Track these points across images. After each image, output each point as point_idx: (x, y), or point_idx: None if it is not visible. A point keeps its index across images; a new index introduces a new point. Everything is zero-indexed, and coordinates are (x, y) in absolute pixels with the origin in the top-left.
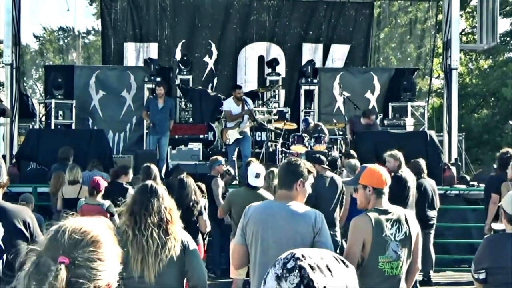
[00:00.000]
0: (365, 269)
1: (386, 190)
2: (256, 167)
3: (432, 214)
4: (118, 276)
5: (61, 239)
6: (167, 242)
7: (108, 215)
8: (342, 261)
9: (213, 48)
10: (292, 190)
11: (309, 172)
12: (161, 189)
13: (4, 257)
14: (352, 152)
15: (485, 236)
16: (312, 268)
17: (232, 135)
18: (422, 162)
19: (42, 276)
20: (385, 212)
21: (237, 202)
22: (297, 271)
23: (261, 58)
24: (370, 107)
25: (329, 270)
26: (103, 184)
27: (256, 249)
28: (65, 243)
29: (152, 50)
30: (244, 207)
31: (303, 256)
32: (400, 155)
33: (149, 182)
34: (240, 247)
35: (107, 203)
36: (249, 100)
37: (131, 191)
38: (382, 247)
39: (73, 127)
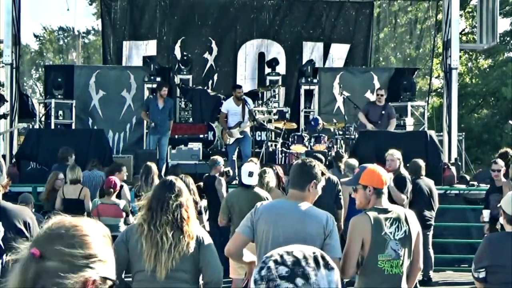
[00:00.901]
0: (365, 268)
1: (385, 190)
2: (248, 166)
3: (429, 214)
4: (113, 273)
5: (39, 233)
6: (181, 240)
7: (124, 214)
8: (326, 264)
9: (213, 45)
10: (304, 191)
11: (322, 174)
12: (180, 185)
13: (4, 257)
14: (342, 152)
15: (485, 235)
16: (282, 278)
17: (234, 134)
18: (421, 162)
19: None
20: (385, 211)
21: (234, 203)
22: (265, 281)
23: (261, 55)
24: None
25: (306, 278)
26: (119, 183)
27: (266, 247)
28: (40, 236)
29: (151, 47)
30: (241, 206)
31: (276, 263)
32: (400, 154)
33: (169, 178)
34: (243, 237)
35: (122, 202)
36: (249, 100)
37: (125, 188)
38: (381, 245)
39: (73, 127)
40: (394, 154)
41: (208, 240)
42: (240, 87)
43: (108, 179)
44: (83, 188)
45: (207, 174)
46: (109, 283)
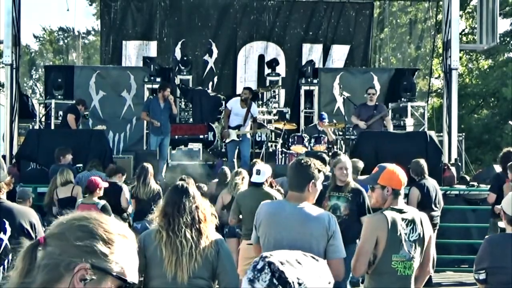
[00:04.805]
0: (377, 268)
1: (402, 190)
2: (258, 165)
3: (436, 214)
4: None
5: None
6: (201, 241)
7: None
8: (312, 256)
9: (213, 47)
10: (304, 191)
11: (319, 171)
12: (193, 189)
13: (10, 256)
14: (338, 152)
15: (486, 237)
16: (281, 262)
17: (231, 135)
18: (423, 162)
19: None
20: (400, 211)
21: (244, 202)
22: (267, 267)
23: (261, 57)
24: None
25: (299, 262)
26: (99, 183)
27: (269, 251)
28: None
29: (152, 48)
30: (251, 205)
31: (271, 255)
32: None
33: (179, 183)
34: (257, 246)
35: (102, 202)
36: (254, 108)
37: (125, 189)
38: (396, 246)
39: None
40: (346, 163)
41: (226, 246)
42: (246, 89)
43: (89, 180)
44: (75, 187)
45: (218, 181)
46: (110, 278)
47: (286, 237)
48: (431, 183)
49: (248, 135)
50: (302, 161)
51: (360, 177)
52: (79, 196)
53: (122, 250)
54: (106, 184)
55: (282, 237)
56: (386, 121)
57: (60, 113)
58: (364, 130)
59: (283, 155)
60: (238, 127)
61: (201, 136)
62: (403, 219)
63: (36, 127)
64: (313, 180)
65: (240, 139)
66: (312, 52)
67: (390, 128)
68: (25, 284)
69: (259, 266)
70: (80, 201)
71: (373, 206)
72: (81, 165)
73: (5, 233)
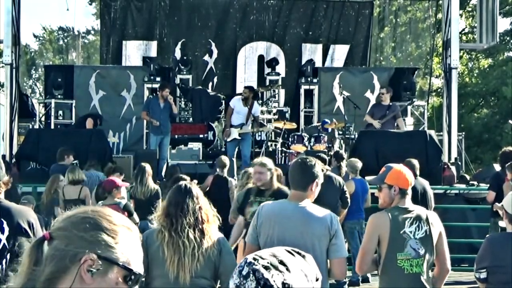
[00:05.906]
0: (384, 267)
1: (409, 190)
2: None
3: None
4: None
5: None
6: (203, 242)
7: (126, 213)
8: (298, 253)
9: (213, 47)
10: (306, 191)
11: (322, 170)
12: (196, 189)
13: (8, 256)
14: (341, 152)
15: (487, 236)
16: (266, 268)
17: (233, 133)
18: (415, 162)
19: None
20: (405, 210)
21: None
22: (251, 275)
23: (261, 58)
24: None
25: (284, 265)
26: (116, 182)
27: None
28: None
29: (152, 48)
30: None
31: (255, 259)
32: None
33: (182, 183)
34: (252, 246)
35: (124, 201)
36: (256, 107)
37: (123, 189)
38: (400, 244)
39: None
40: (266, 165)
41: (228, 245)
42: (247, 87)
43: (108, 180)
44: (83, 188)
45: (216, 174)
46: (116, 268)
47: (289, 237)
48: (419, 183)
49: (250, 133)
50: (307, 161)
51: (368, 178)
52: (87, 198)
53: (127, 241)
54: (126, 184)
55: (284, 237)
56: (398, 121)
57: (60, 112)
58: (379, 129)
59: (283, 154)
60: (240, 126)
61: (201, 136)
62: (407, 218)
63: (36, 126)
64: (316, 180)
65: (241, 137)
66: (312, 52)
67: (402, 128)
68: (32, 276)
69: (244, 272)
70: (101, 203)
71: (380, 206)
72: (76, 161)
73: (3, 232)
